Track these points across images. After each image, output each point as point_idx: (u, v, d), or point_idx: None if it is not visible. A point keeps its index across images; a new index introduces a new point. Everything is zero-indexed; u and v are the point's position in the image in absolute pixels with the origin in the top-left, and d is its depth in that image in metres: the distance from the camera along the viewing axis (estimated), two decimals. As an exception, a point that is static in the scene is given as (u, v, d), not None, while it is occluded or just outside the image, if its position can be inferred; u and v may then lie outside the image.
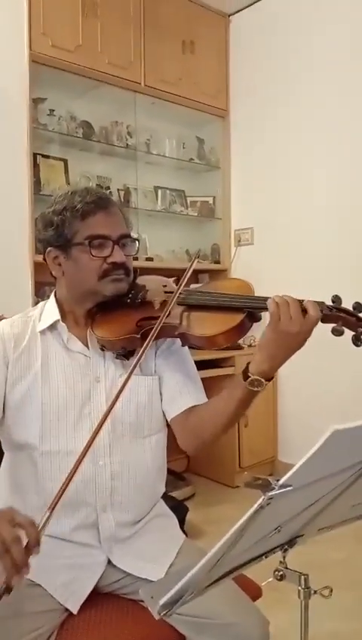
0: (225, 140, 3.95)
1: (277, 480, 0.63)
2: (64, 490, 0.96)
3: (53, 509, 0.94)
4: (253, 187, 3.78)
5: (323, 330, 1.15)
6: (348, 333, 1.12)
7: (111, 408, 1.06)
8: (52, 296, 1.30)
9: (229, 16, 3.89)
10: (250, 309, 1.15)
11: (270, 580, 0.93)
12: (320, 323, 1.12)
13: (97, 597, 1.19)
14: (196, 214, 3.93)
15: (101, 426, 1.04)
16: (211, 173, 4.03)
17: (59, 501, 0.95)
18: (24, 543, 0.88)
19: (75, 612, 1.14)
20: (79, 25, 3.11)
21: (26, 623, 1.06)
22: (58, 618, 1.13)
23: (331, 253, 3.31)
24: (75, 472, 0.98)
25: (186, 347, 1.30)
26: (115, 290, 1.22)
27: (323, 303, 1.13)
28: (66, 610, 1.14)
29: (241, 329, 1.16)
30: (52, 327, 1.25)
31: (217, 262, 3.96)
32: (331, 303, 1.14)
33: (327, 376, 3.27)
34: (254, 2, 3.74)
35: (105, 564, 1.21)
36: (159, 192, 3.78)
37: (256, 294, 1.22)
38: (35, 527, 0.90)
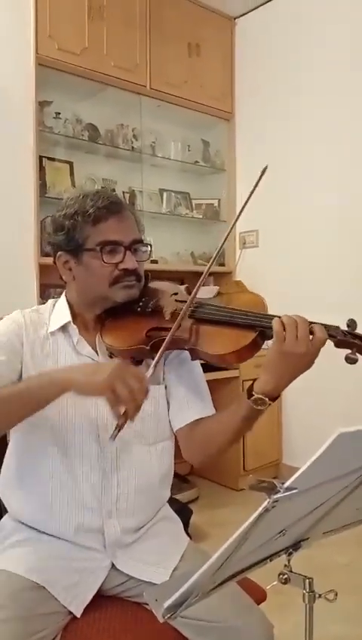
0: (230, 143, 3.95)
1: (283, 483, 0.62)
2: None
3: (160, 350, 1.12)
4: (258, 190, 3.76)
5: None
6: None
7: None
8: (63, 296, 1.29)
9: (235, 19, 3.90)
10: (262, 328, 1.12)
11: (274, 583, 0.92)
12: (334, 348, 1.10)
13: (101, 600, 1.19)
14: (201, 217, 3.93)
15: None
16: (216, 175, 4.03)
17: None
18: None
19: (78, 615, 1.14)
20: (85, 28, 3.12)
21: (30, 625, 1.05)
22: (62, 621, 1.12)
23: (336, 255, 3.30)
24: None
25: None
26: (126, 297, 1.21)
27: (337, 327, 1.11)
28: (70, 613, 1.14)
29: (253, 347, 1.13)
30: (63, 328, 1.25)
31: (222, 264, 3.96)
32: (346, 328, 1.11)
33: (332, 379, 3.24)
34: (259, 5, 3.75)
35: (109, 568, 1.21)
36: (164, 194, 3.79)
37: (267, 305, 1.20)
38: (146, 378, 1.06)
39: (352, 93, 3.22)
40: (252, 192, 1.20)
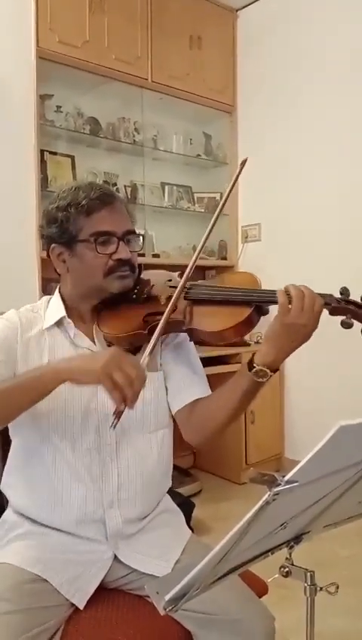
0: (232, 136, 3.94)
1: (283, 476, 0.62)
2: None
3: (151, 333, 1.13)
4: (261, 183, 3.76)
5: (331, 325, 1.14)
6: (357, 326, 1.11)
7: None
8: (56, 292, 1.30)
9: (236, 11, 3.87)
10: (258, 303, 1.14)
11: (276, 576, 0.93)
12: (329, 315, 1.11)
13: (103, 593, 1.19)
14: (203, 210, 3.91)
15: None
16: (218, 169, 4.02)
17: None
18: None
19: (81, 607, 1.14)
20: (86, 21, 3.10)
21: (32, 617, 1.06)
22: (64, 613, 1.13)
23: (339, 249, 3.30)
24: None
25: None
26: (121, 287, 1.22)
27: (331, 295, 1.12)
28: (72, 605, 1.14)
29: (249, 323, 1.15)
30: (58, 323, 1.25)
31: (224, 258, 3.95)
32: (339, 295, 1.13)
33: (335, 372, 3.26)
34: (262, -3, 3.73)
35: (111, 560, 1.22)
36: (166, 188, 3.78)
37: (260, 281, 1.21)
38: (143, 366, 1.07)
39: (354, 87, 3.20)
40: (233, 185, 1.21)
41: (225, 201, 1.26)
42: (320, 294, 1.10)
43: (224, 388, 1.21)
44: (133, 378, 1.03)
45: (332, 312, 1.12)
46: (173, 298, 1.17)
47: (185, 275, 1.22)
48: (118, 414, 1.07)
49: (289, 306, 1.07)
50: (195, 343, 1.31)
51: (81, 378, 1.07)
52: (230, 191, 1.23)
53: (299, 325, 1.07)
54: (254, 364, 1.11)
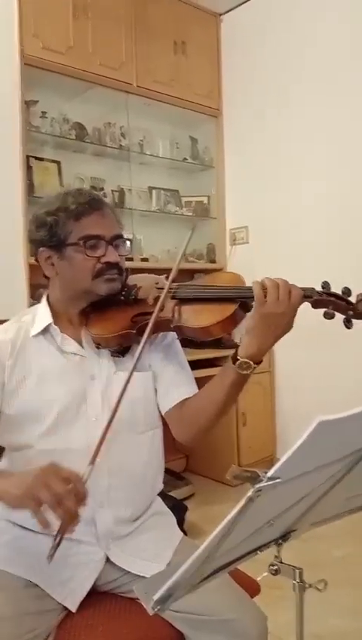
0: (218, 140, 3.95)
1: (265, 472, 0.63)
2: (101, 442, 1.06)
3: (93, 462, 1.03)
4: (248, 186, 3.78)
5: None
6: (339, 317, 1.15)
7: (117, 409, 1.09)
8: (44, 299, 1.31)
9: (220, 15, 3.90)
10: (241, 299, 1.17)
11: (265, 574, 0.93)
12: (312, 309, 1.15)
13: (95, 596, 1.19)
14: (191, 214, 3.92)
15: (109, 425, 1.09)
16: (205, 172, 4.03)
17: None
18: None
19: (73, 610, 1.14)
20: (70, 26, 3.11)
21: (24, 624, 1.05)
22: (56, 618, 1.13)
23: (326, 249, 3.31)
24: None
25: (177, 340, 1.33)
26: (108, 290, 1.23)
27: (313, 288, 1.15)
28: (64, 609, 1.14)
29: (234, 318, 1.18)
30: (45, 330, 1.25)
31: (213, 261, 3.96)
32: (321, 289, 1.16)
33: (325, 372, 3.26)
34: (245, 1, 3.75)
35: (103, 561, 1.22)
36: (153, 192, 3.78)
37: (245, 282, 1.24)
38: (81, 480, 0.98)
39: (339, 90, 3.22)
40: (179, 260, 1.25)
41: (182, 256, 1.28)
42: (302, 288, 1.14)
43: (211, 383, 1.23)
44: (62, 496, 0.92)
45: (315, 305, 1.15)
46: (161, 297, 1.19)
47: (171, 274, 1.24)
48: (56, 545, 0.97)
49: (265, 298, 1.10)
50: (183, 341, 1.34)
51: (7, 503, 0.98)
52: (176, 266, 1.24)
53: (277, 315, 1.10)
54: (238, 357, 1.13)
